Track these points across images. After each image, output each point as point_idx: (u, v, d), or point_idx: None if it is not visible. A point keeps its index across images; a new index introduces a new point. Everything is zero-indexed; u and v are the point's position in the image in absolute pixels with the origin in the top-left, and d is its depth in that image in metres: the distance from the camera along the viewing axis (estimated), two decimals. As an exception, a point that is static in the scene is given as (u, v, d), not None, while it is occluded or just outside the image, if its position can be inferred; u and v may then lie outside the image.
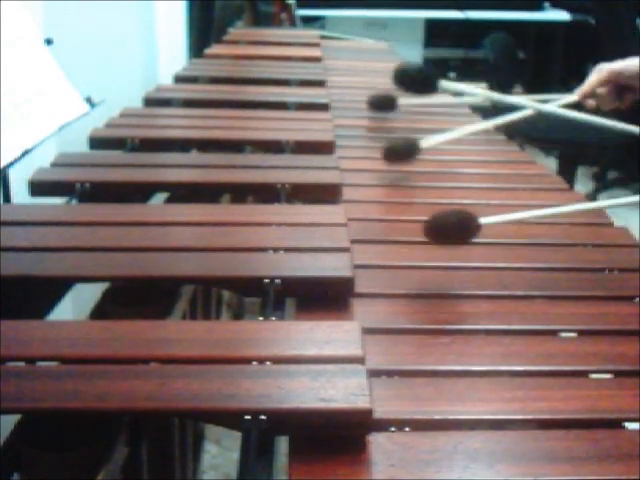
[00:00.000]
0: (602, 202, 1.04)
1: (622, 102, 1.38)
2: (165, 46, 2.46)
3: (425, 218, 0.94)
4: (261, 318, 0.82)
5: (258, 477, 0.61)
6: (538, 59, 4.78)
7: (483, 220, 0.94)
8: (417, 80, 1.25)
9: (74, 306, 1.34)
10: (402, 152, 1.32)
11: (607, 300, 0.92)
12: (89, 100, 1.47)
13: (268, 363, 0.69)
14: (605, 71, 1.35)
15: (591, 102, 1.38)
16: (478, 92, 1.31)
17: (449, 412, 0.69)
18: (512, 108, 1.44)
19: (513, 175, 1.37)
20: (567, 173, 3.16)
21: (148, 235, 0.98)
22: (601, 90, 1.36)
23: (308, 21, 4.03)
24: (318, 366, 0.68)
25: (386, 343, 0.81)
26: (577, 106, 1.41)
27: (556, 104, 1.42)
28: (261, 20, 3.38)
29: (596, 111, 1.39)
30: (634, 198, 1.04)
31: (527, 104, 1.42)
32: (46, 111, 1.33)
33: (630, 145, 3.24)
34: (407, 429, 0.67)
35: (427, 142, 1.35)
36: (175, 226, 1.01)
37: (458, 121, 1.69)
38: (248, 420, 0.63)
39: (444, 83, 1.19)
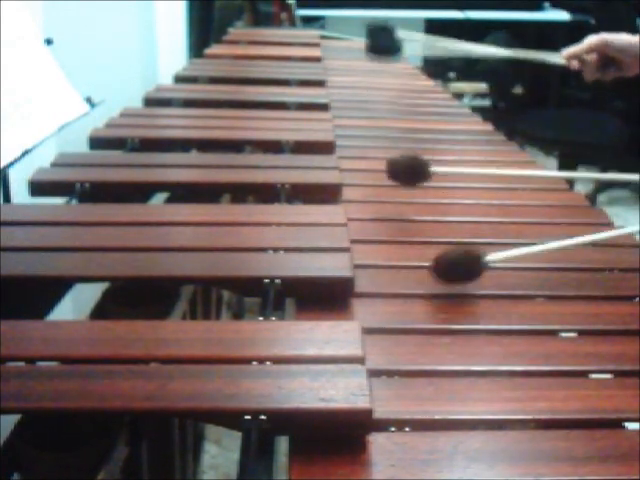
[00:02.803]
0: (604, 234, 1.03)
1: (604, 75, 1.41)
2: (165, 46, 2.46)
3: (426, 218, 0.93)
4: (261, 318, 0.82)
5: (258, 477, 0.61)
6: (538, 59, 4.77)
7: (490, 257, 0.92)
8: (409, 171, 1.17)
9: (74, 306, 1.34)
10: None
11: (607, 300, 0.92)
12: (89, 100, 1.47)
13: (268, 363, 0.69)
14: (596, 38, 1.38)
15: (574, 63, 1.42)
16: (468, 172, 1.29)
17: (449, 412, 0.69)
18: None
19: (513, 175, 1.37)
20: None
21: (148, 235, 0.98)
22: (588, 56, 1.40)
23: (308, 21, 4.03)
24: (318, 366, 0.68)
25: (386, 343, 0.81)
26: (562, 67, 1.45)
27: (541, 57, 1.47)
28: (261, 20, 3.38)
29: (578, 76, 1.44)
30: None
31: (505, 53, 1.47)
32: (46, 111, 1.33)
33: (630, 145, 3.24)
34: (407, 429, 0.67)
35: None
36: (175, 226, 1.01)
37: (458, 121, 1.69)
38: (248, 420, 0.63)
39: (436, 169, 1.14)
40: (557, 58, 1.45)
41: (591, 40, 1.39)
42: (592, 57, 1.39)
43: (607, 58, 1.38)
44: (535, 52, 1.53)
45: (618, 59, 1.37)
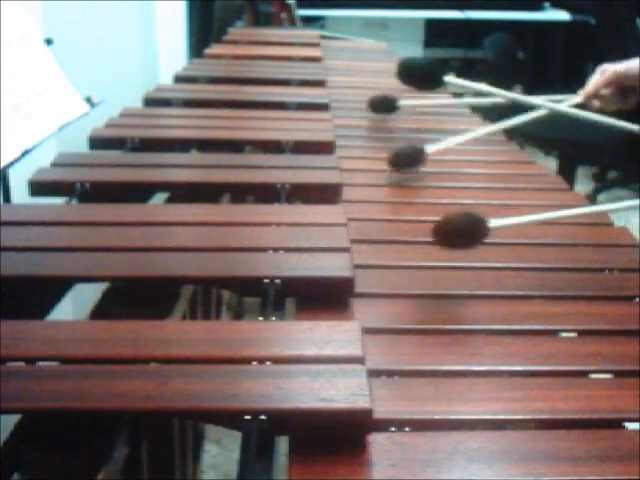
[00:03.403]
0: (611, 205, 1.03)
1: (625, 103, 1.39)
2: (165, 46, 2.46)
3: (426, 218, 0.94)
4: (261, 318, 0.82)
5: (258, 477, 0.61)
6: (538, 59, 4.78)
7: (492, 223, 0.93)
8: (422, 75, 1.22)
9: (74, 306, 1.34)
10: (408, 158, 1.31)
11: (607, 300, 0.92)
12: (89, 100, 1.47)
13: (268, 363, 0.69)
14: (609, 72, 1.36)
15: (595, 103, 1.39)
16: (483, 88, 1.29)
17: (449, 412, 0.69)
18: (516, 108, 1.44)
19: (513, 175, 1.37)
20: (567, 173, 3.16)
21: (148, 235, 0.97)
22: (605, 91, 1.37)
23: (308, 21, 4.03)
24: (318, 366, 0.68)
25: (386, 343, 0.81)
26: (581, 107, 1.42)
27: (564, 104, 1.43)
28: (261, 20, 3.38)
29: (600, 111, 1.40)
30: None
31: (536, 103, 1.43)
32: (46, 111, 1.33)
33: (630, 145, 3.24)
34: (407, 429, 0.67)
35: (432, 148, 1.33)
36: (175, 226, 1.01)
37: (458, 121, 1.69)
38: (248, 420, 0.63)
39: (450, 79, 1.17)
40: (576, 99, 1.42)
41: (604, 75, 1.37)
42: (609, 91, 1.37)
43: (624, 87, 1.36)
44: (554, 97, 1.49)
45: (636, 86, 1.35)
